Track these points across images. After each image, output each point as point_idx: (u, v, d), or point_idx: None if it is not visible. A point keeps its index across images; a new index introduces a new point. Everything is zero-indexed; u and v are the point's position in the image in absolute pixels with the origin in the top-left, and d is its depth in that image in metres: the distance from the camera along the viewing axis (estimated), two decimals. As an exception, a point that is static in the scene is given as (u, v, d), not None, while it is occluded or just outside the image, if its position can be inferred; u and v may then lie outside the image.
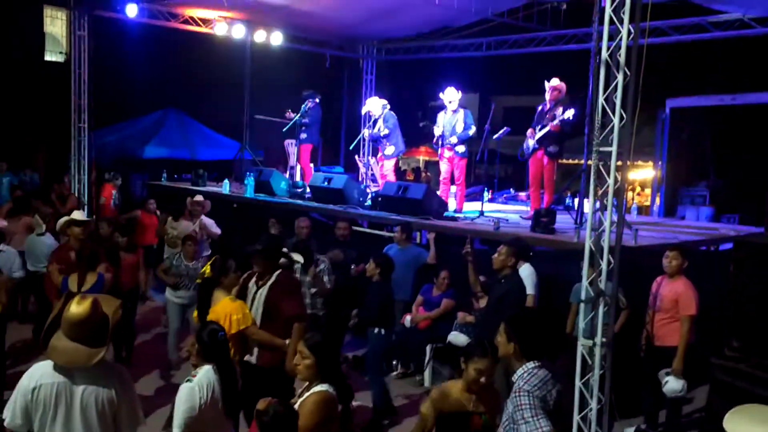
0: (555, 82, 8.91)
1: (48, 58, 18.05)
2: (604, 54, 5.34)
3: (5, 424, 3.41)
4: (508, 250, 6.08)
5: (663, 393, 6.09)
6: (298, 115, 11.24)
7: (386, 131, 10.45)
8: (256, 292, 5.31)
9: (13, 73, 16.00)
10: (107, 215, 10.64)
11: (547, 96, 8.93)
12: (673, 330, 6.10)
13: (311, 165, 12.05)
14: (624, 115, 5.30)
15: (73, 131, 11.02)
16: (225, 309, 5.18)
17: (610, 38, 5.32)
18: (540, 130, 8.84)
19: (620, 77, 5.29)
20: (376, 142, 10.78)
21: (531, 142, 9.01)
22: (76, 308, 3.38)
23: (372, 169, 11.76)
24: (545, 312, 6.57)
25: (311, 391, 3.56)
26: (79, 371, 3.38)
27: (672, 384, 5.99)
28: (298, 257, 6.16)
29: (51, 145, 15.22)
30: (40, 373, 3.40)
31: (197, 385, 3.84)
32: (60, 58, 18.01)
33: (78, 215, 7.04)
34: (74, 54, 11.07)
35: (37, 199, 10.12)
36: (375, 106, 10.64)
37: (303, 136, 11.46)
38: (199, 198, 9.62)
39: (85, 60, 10.99)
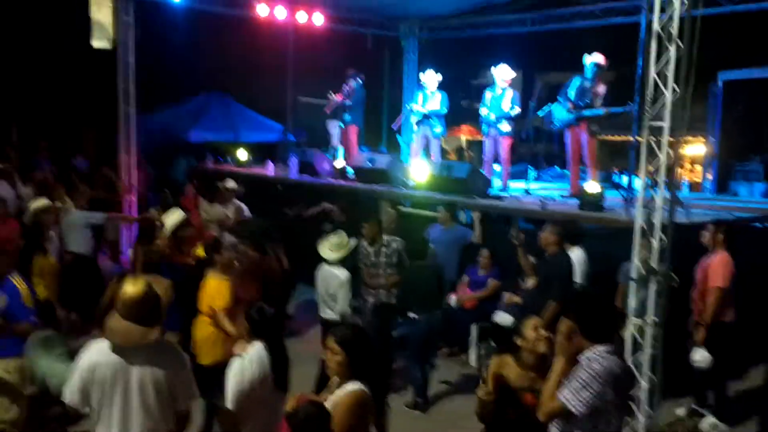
0: (597, 57, 8.69)
1: (95, 44, 18.38)
2: (656, 26, 5.20)
3: (66, 401, 3.52)
4: (553, 229, 6.04)
5: (712, 371, 5.98)
6: (341, 94, 11.23)
7: (445, 110, 10.36)
8: None
9: (61, 60, 16.34)
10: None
11: (589, 73, 8.74)
12: None
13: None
14: (677, 89, 5.16)
15: (121, 116, 11.20)
16: (204, 287, 5.38)
17: (662, 10, 5.18)
18: (584, 107, 8.65)
19: (672, 50, 5.15)
20: (427, 118, 10.61)
21: (567, 116, 8.76)
22: (132, 288, 3.47)
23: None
24: (601, 290, 6.48)
25: (344, 390, 3.34)
26: (135, 351, 3.45)
27: (695, 355, 5.92)
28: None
29: (99, 130, 15.53)
30: (98, 353, 3.49)
31: (248, 360, 3.90)
32: (107, 45, 18.32)
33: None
34: (121, 39, 11.21)
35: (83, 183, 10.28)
36: (432, 80, 10.51)
37: (348, 117, 11.46)
38: (231, 183, 9.67)
39: (131, 46, 11.13)
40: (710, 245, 6.12)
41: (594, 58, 8.70)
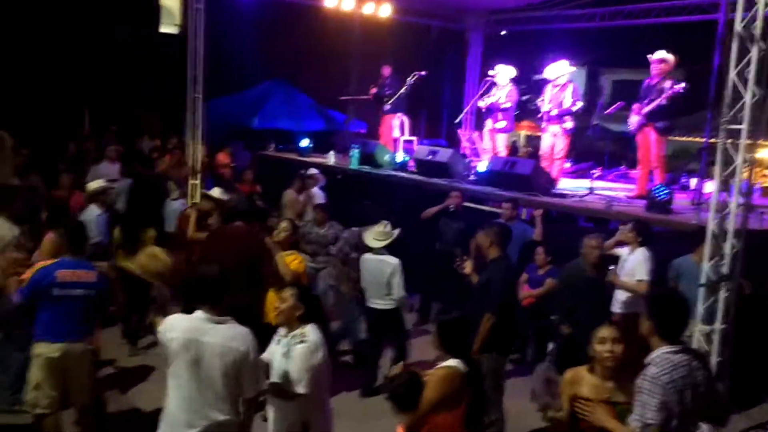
0: (662, 54, 8.54)
1: (163, 30, 18.83)
2: (738, 26, 5.05)
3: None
4: (486, 232, 5.67)
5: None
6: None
7: (508, 104, 10.27)
8: None
9: (129, 45, 16.76)
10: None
11: (653, 70, 8.57)
12: None
13: (401, 137, 12.08)
14: (756, 92, 5.02)
15: (188, 103, 11.41)
16: None
17: (745, 9, 5.03)
18: (647, 104, 8.51)
19: (754, 51, 5.00)
20: (490, 112, 10.56)
21: (636, 118, 8.68)
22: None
23: (476, 144, 11.60)
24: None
25: (440, 366, 3.59)
26: (210, 329, 3.58)
27: None
28: None
29: (166, 115, 15.89)
30: (177, 326, 3.63)
31: (314, 344, 3.95)
32: (174, 30, 18.74)
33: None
34: (190, 26, 11.41)
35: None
36: (504, 75, 10.39)
37: (387, 107, 11.71)
38: (312, 171, 9.85)
39: (200, 32, 11.32)
40: None
41: (657, 56, 8.53)
